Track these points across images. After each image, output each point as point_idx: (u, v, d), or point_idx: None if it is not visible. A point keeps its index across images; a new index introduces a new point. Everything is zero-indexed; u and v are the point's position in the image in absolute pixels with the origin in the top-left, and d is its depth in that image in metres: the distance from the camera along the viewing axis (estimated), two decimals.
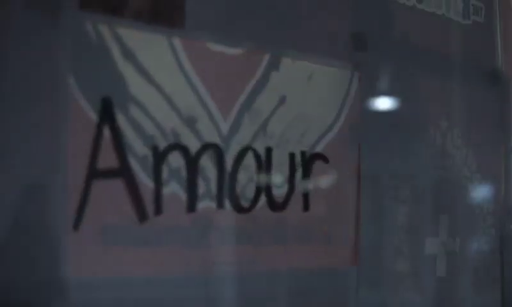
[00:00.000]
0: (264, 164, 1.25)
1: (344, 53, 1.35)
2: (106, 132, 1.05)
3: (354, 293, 1.35)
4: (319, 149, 1.32)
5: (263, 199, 1.25)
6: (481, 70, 1.62)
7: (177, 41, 1.12)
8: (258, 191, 1.24)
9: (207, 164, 1.17)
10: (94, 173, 1.04)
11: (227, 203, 1.20)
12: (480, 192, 1.59)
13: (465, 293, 1.56)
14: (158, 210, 1.11)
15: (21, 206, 0.95)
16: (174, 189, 1.13)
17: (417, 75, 1.46)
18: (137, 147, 1.09)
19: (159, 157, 1.12)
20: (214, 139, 1.18)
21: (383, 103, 1.43)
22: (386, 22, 1.41)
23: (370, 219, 1.39)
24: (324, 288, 1.31)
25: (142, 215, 1.09)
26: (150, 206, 1.10)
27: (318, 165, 1.32)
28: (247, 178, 1.22)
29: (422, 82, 1.47)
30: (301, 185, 1.30)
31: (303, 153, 1.30)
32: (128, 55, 1.07)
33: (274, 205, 1.26)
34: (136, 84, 1.08)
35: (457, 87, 1.55)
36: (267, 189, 1.25)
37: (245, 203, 1.22)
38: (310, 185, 1.31)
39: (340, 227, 1.35)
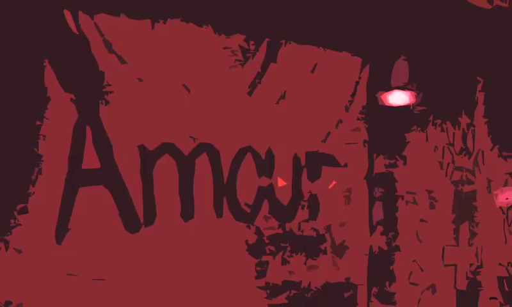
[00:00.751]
0: (266, 166, 1.16)
1: (354, 44, 1.26)
2: (88, 129, 1.00)
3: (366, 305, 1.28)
4: (325, 149, 1.23)
5: (266, 205, 1.16)
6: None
7: (160, 32, 1.06)
8: (260, 197, 1.16)
9: (202, 166, 1.10)
10: (77, 174, 0.99)
11: (226, 210, 1.12)
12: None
13: None
14: (150, 216, 1.05)
15: None
16: (166, 194, 1.06)
17: (433, 66, 1.36)
18: (123, 146, 1.02)
19: (148, 157, 1.05)
20: (209, 138, 1.10)
21: (397, 97, 1.34)
22: (399, 9, 1.30)
23: (383, 226, 1.30)
24: (335, 303, 1.24)
25: (132, 224, 1.03)
26: (140, 213, 1.04)
27: (325, 167, 1.23)
28: (247, 182, 1.14)
29: (439, 73, 1.37)
30: (307, 189, 1.21)
31: (308, 154, 1.21)
32: (110, 46, 1.02)
33: (278, 213, 1.18)
34: (119, 78, 1.02)
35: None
36: (270, 195, 1.17)
37: (246, 210, 1.14)
38: (317, 189, 1.22)
39: (353, 236, 1.26)
